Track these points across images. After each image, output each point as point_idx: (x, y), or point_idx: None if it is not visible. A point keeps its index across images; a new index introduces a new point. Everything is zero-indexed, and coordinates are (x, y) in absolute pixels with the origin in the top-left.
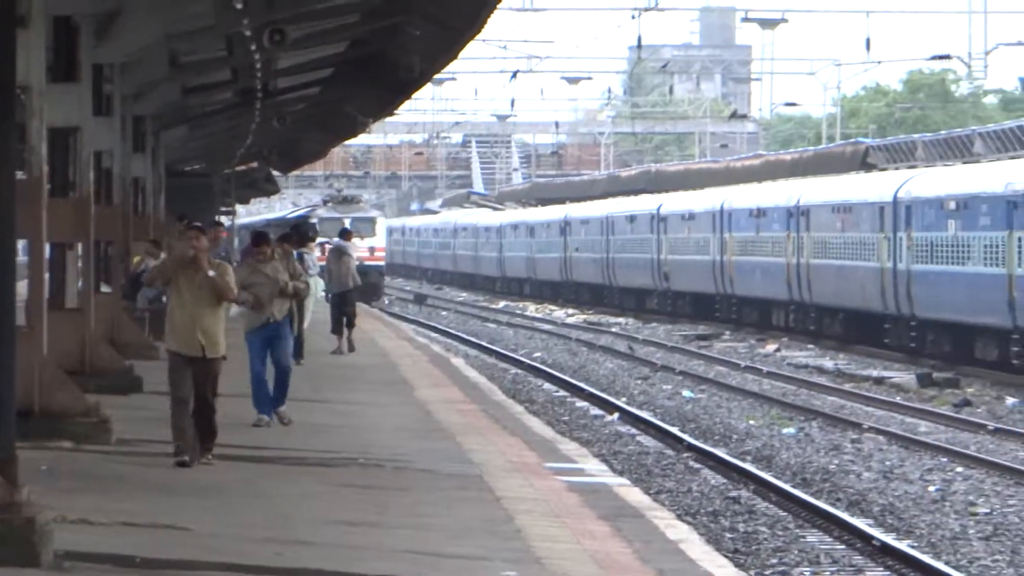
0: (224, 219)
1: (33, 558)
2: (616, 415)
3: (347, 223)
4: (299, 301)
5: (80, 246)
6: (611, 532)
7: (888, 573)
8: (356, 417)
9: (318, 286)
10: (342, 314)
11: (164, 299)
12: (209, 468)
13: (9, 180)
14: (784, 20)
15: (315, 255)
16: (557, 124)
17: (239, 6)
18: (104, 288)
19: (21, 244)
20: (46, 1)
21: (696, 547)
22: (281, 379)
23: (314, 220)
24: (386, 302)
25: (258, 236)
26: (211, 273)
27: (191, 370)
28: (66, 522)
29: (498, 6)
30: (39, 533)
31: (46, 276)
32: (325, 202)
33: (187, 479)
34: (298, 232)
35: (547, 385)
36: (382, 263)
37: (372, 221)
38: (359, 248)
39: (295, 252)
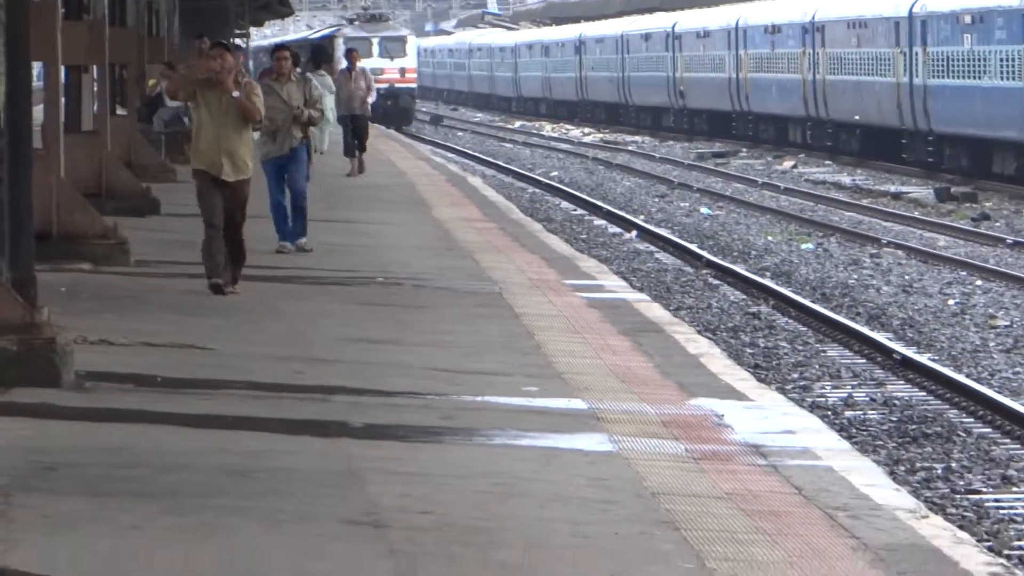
0: (239, 41)
1: (54, 378)
2: (634, 233)
3: (375, 43)
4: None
5: (95, 69)
6: (631, 347)
7: (909, 386)
8: (374, 237)
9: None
10: (353, 137)
11: (187, 121)
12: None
13: (22, 3)
14: None
15: (328, 79)
16: None
17: None
18: (120, 111)
19: (36, 69)
20: None
21: (717, 361)
22: (297, 204)
23: (340, 40)
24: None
25: (278, 47)
26: (236, 94)
27: (219, 192)
28: (86, 343)
29: None
30: (60, 353)
31: (62, 100)
32: (351, 21)
33: (207, 299)
34: (314, 54)
35: (565, 204)
36: (413, 85)
37: (402, 40)
38: (389, 69)
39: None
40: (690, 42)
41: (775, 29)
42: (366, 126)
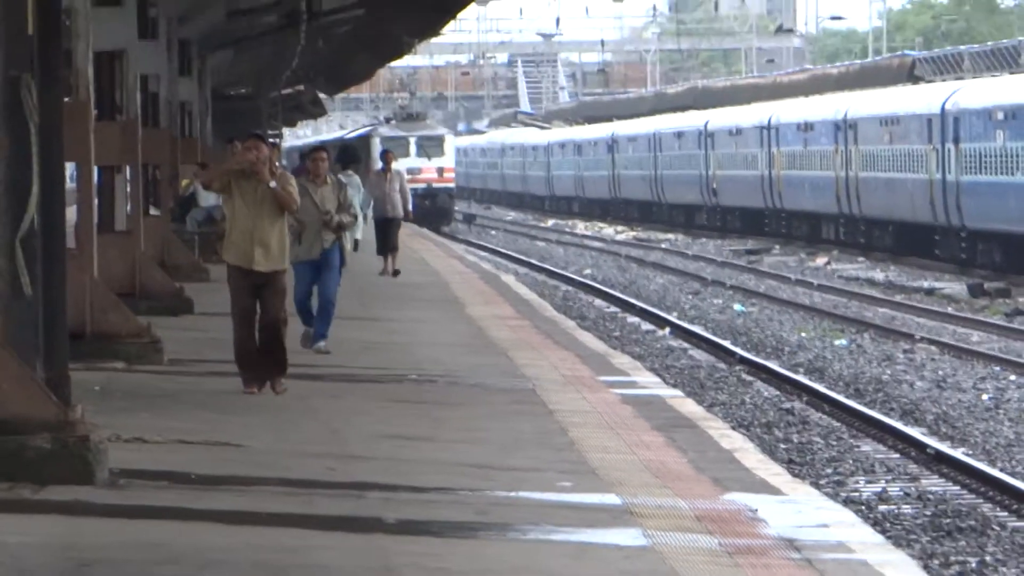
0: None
1: (88, 475)
2: (668, 330)
3: (413, 142)
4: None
5: (128, 169)
6: (665, 442)
7: (943, 480)
8: (407, 334)
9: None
10: (383, 239)
11: (221, 219)
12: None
13: (57, 103)
14: None
15: (356, 179)
16: (603, 42)
17: None
18: (153, 211)
19: (69, 169)
20: None
21: (751, 456)
22: (324, 310)
23: (376, 139)
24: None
25: (316, 148)
26: (272, 184)
27: (253, 288)
28: (120, 440)
29: None
30: (94, 451)
31: (95, 200)
32: (388, 120)
33: (240, 397)
34: (342, 154)
35: (598, 301)
36: (452, 185)
37: (440, 140)
38: (426, 169)
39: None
40: (723, 140)
41: (808, 127)
42: (398, 227)
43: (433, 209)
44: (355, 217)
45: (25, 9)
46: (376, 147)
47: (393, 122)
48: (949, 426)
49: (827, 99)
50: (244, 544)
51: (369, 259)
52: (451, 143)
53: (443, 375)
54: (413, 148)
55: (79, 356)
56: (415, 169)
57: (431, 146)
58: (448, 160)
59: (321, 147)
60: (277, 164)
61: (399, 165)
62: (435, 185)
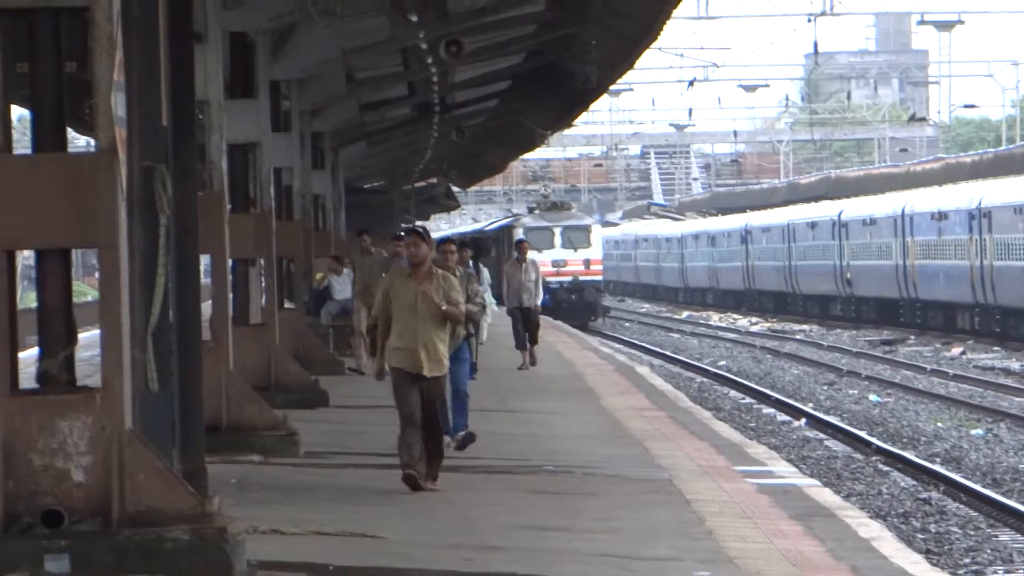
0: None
1: (226, 568)
2: (804, 420)
3: (558, 232)
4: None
5: (262, 262)
6: (803, 531)
7: None
8: (543, 425)
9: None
10: (522, 330)
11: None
12: (398, 478)
13: (192, 195)
14: (960, 22)
15: (485, 272)
16: (735, 133)
17: (414, 19)
18: (287, 304)
19: (203, 262)
20: (222, 17)
21: (889, 544)
22: (458, 404)
23: (520, 229)
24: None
25: (445, 239)
26: (443, 306)
27: (416, 387)
28: (257, 532)
29: (673, 14)
30: (231, 543)
31: (229, 293)
32: (531, 210)
33: (376, 489)
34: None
35: (733, 392)
36: (599, 278)
37: (587, 230)
38: (572, 261)
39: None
40: (856, 230)
41: (942, 216)
42: (538, 318)
43: (580, 303)
44: (483, 306)
45: (159, 101)
46: (519, 236)
47: (537, 211)
48: None
49: (961, 188)
50: None
51: (503, 354)
52: (598, 233)
53: (579, 466)
54: (558, 239)
55: (215, 449)
56: (560, 261)
57: (577, 236)
58: (595, 251)
59: (449, 239)
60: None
61: (543, 256)
62: (582, 278)
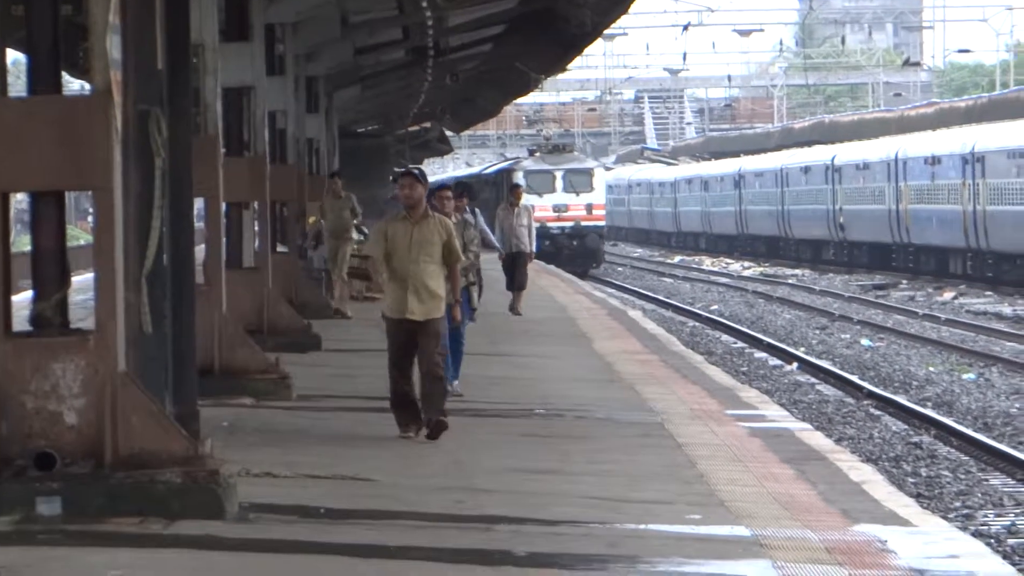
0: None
1: (218, 510)
2: (795, 365)
3: (559, 176)
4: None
5: (256, 206)
6: (794, 475)
7: None
8: (534, 369)
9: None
10: (511, 275)
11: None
12: (389, 421)
13: (186, 138)
14: None
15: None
16: (729, 77)
17: None
18: (280, 248)
19: (197, 205)
20: None
21: (880, 488)
22: (456, 352)
23: (519, 173)
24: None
25: (441, 186)
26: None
27: (408, 332)
28: (249, 475)
29: None
30: (223, 485)
31: (223, 237)
32: (532, 152)
33: (367, 432)
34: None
35: (725, 337)
36: (602, 223)
37: (588, 173)
38: (574, 206)
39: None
40: (850, 175)
41: (935, 160)
42: (526, 263)
43: (582, 249)
44: (476, 256)
45: (155, 44)
46: (519, 180)
47: (538, 154)
48: None
49: (954, 132)
50: None
51: (495, 297)
52: (601, 177)
53: (570, 409)
54: (559, 183)
55: (208, 392)
56: (561, 206)
57: (579, 180)
58: (598, 196)
59: (444, 186)
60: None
61: (544, 200)
62: (583, 223)
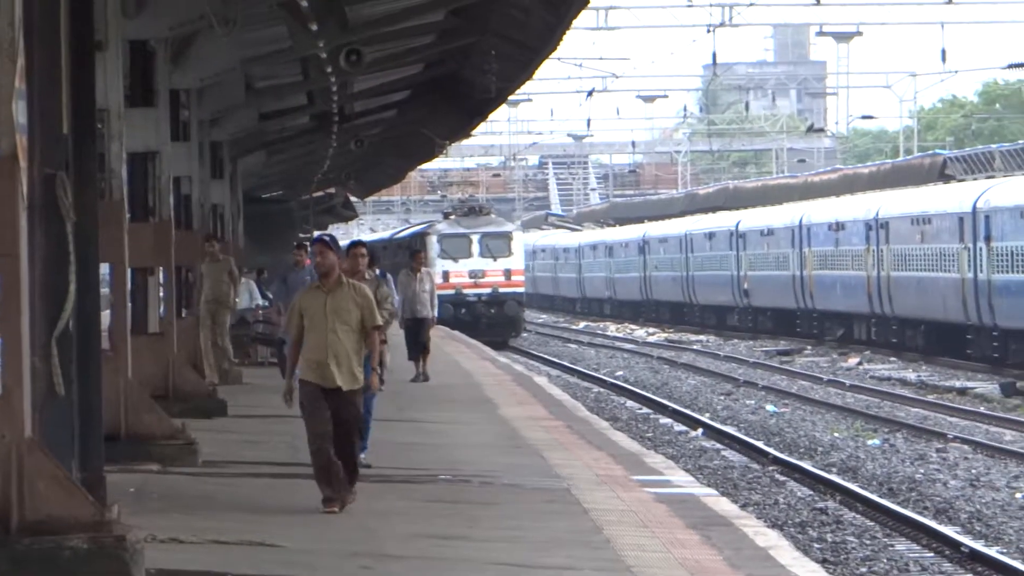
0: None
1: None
2: (700, 430)
3: (475, 240)
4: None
5: (161, 271)
6: (700, 540)
7: None
8: (441, 435)
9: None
10: (414, 341)
11: (257, 325)
12: (296, 488)
13: (92, 202)
14: (859, 33)
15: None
16: (634, 143)
17: (314, 28)
18: (185, 313)
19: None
20: (123, 25)
21: (786, 553)
22: (365, 422)
23: (433, 237)
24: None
25: (355, 243)
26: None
27: (328, 403)
28: (156, 541)
29: (572, 25)
30: (130, 551)
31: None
32: (446, 215)
33: (275, 498)
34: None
35: (630, 403)
36: (521, 289)
37: (507, 237)
38: (492, 271)
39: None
40: (754, 240)
41: (839, 226)
42: (429, 328)
43: (501, 318)
44: (391, 315)
45: (60, 109)
46: (433, 246)
47: (453, 217)
48: (983, 525)
49: (858, 199)
50: None
51: (401, 362)
52: (520, 241)
53: (477, 475)
54: (476, 247)
55: (114, 458)
56: (478, 272)
57: (497, 245)
58: (516, 260)
59: (360, 243)
60: (306, 274)
61: (460, 266)
62: (502, 290)
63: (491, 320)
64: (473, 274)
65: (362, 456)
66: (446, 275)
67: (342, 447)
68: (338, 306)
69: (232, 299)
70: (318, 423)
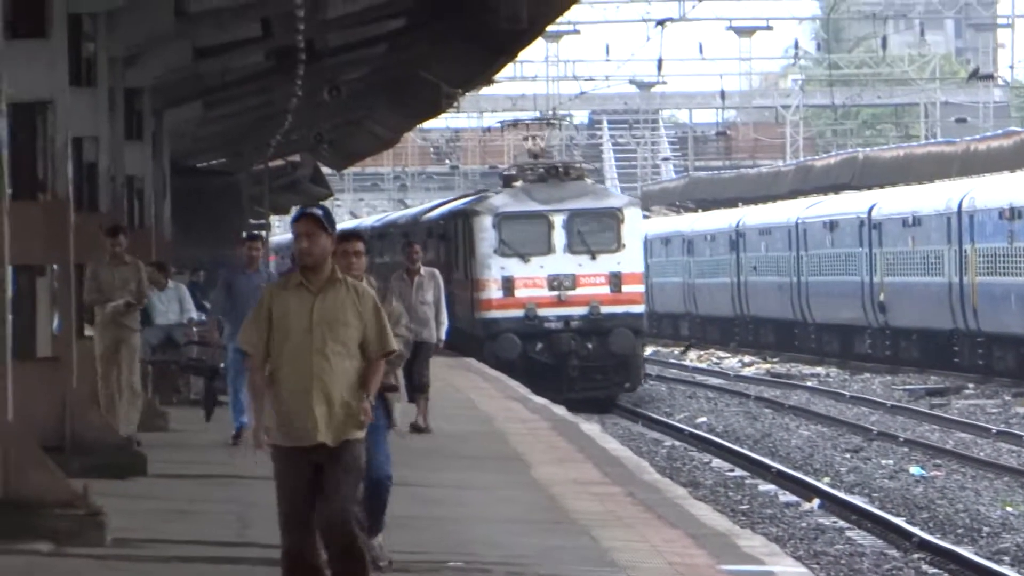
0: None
1: None
2: (817, 501)
3: (557, 224)
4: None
5: (56, 269)
6: None
7: None
8: (450, 506)
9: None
10: (407, 375)
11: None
12: None
13: None
14: None
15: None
16: (723, 94)
17: None
18: (88, 331)
19: None
20: None
21: None
22: (376, 493)
23: (484, 218)
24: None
25: (345, 235)
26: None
27: (309, 469)
28: None
29: None
30: None
31: (8, 316)
32: (507, 180)
33: None
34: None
35: (717, 462)
36: (639, 308)
37: (613, 217)
38: (588, 277)
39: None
40: (894, 232)
41: (1016, 213)
42: (428, 356)
43: (603, 357)
44: (406, 344)
45: None
46: (485, 234)
47: (519, 183)
48: None
49: None
50: None
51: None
52: (635, 224)
53: (502, 562)
54: (560, 235)
55: None
56: (564, 278)
57: (597, 231)
58: (630, 257)
59: (354, 234)
60: (264, 275)
61: (532, 267)
62: (605, 309)
63: (588, 362)
64: (556, 282)
65: (376, 541)
66: (508, 284)
67: (334, 530)
68: (332, 316)
69: (137, 321)
70: (290, 500)
